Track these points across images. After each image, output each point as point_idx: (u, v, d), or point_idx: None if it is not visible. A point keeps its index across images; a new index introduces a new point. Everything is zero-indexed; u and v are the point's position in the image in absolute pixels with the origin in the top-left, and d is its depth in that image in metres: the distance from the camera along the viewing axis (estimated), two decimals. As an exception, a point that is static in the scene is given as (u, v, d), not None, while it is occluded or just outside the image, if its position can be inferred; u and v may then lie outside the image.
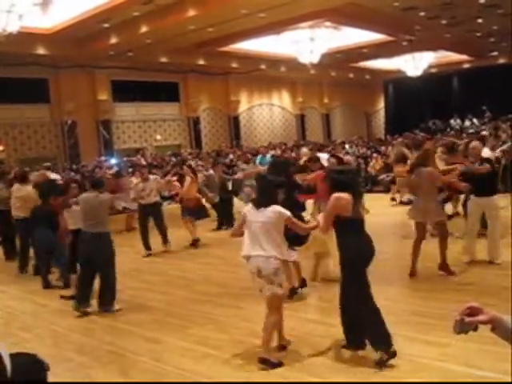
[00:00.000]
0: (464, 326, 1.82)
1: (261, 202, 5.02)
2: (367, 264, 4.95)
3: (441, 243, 7.42)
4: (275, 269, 4.89)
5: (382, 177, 16.64)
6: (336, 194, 4.84)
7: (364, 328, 4.94)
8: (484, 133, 17.45)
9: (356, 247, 4.86)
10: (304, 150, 16.83)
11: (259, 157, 17.73)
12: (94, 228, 6.92)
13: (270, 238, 4.90)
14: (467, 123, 26.89)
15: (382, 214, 13.19)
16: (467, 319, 1.81)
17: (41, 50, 19.44)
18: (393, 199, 14.83)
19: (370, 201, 13.78)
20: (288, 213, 4.98)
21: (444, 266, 7.39)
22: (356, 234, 4.93)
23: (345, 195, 4.81)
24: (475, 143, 8.32)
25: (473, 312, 1.82)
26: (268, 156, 17.35)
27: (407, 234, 11.18)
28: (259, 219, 4.93)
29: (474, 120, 26.82)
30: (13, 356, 1.98)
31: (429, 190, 7.32)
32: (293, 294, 6.70)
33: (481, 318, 1.80)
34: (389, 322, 5.67)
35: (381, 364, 4.65)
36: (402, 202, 14.54)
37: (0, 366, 1.77)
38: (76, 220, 7.84)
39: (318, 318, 6.10)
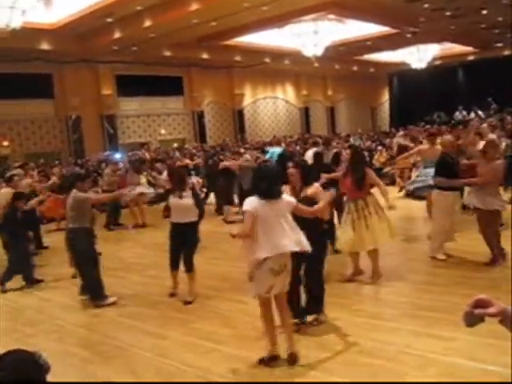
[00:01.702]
0: (473, 319, 1.81)
1: (276, 193, 4.73)
2: None
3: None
4: None
5: (386, 169, 16.62)
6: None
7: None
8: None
9: None
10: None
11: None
12: (70, 223, 7.29)
13: (295, 229, 4.71)
14: (472, 115, 26.72)
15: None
16: (476, 311, 1.80)
17: (45, 45, 19.45)
18: (401, 188, 14.70)
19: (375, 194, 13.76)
20: (293, 199, 4.95)
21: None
22: None
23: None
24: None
25: (482, 304, 1.81)
26: (271, 150, 17.25)
27: (415, 228, 11.28)
28: (275, 212, 4.65)
29: (480, 112, 26.66)
30: (10, 353, 1.98)
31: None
32: None
33: (490, 310, 1.79)
34: (394, 316, 5.71)
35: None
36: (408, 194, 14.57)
37: None
38: None
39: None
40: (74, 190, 7.20)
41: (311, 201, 5.29)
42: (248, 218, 4.59)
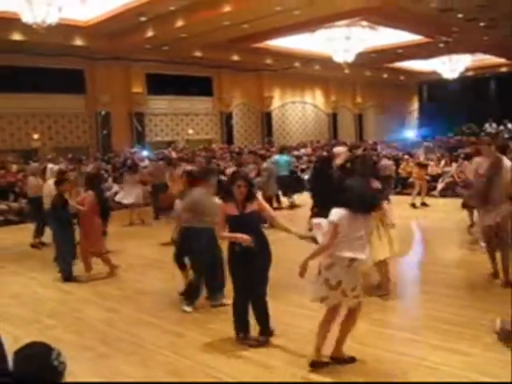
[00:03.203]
0: (507, 336, 1.81)
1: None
2: None
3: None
4: None
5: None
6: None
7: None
8: None
9: None
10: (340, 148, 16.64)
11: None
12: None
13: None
14: (501, 128, 26.38)
15: (407, 217, 13.16)
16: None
17: (78, 42, 19.72)
18: (413, 205, 14.71)
19: (397, 203, 13.74)
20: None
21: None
22: None
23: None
24: None
25: None
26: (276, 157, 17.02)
27: (428, 239, 11.23)
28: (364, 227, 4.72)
29: (510, 125, 26.31)
30: (28, 347, 2.01)
31: None
32: None
33: None
34: (413, 328, 5.67)
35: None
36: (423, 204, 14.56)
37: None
38: None
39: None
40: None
41: None
42: (332, 229, 4.63)
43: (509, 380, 4.31)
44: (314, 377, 4.66)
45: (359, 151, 12.76)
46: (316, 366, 4.76)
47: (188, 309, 6.63)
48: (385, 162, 15.78)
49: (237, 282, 5.45)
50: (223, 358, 5.17)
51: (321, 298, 4.74)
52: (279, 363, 4.97)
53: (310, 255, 4.78)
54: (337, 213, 4.62)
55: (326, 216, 4.74)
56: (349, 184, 4.78)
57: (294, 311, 6.37)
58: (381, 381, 4.61)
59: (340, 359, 4.88)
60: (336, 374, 4.69)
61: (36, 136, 21.51)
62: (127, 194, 14.08)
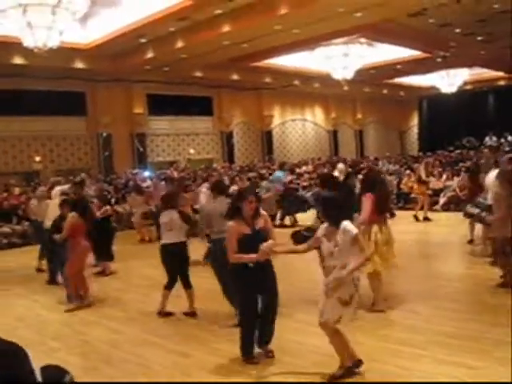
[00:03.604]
0: None
1: None
2: None
3: None
4: None
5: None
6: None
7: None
8: None
9: None
10: (340, 165, 16.86)
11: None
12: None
13: None
14: (502, 141, 26.39)
15: (410, 232, 13.16)
16: None
17: (79, 64, 19.88)
18: (416, 217, 14.79)
19: (399, 218, 13.79)
20: None
21: None
22: None
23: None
24: None
25: None
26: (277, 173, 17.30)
27: (431, 253, 11.22)
28: None
29: (510, 138, 26.33)
30: (42, 369, 2.01)
31: None
32: None
33: None
34: (419, 342, 5.64)
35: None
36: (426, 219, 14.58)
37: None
38: None
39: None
40: None
41: None
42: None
43: (509, 380, 4.28)
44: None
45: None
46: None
47: None
48: (386, 177, 15.86)
49: (250, 298, 5.34)
50: (231, 379, 5.14)
51: (337, 319, 4.71)
52: (291, 379, 4.94)
53: (353, 267, 4.68)
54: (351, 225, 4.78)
55: None
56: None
57: (299, 327, 6.34)
58: (380, 381, 4.58)
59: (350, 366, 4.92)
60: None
61: (38, 158, 21.58)
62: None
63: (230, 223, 5.34)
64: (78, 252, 8.27)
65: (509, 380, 4.06)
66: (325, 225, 4.92)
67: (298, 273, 8.92)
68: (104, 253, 10.47)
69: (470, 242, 10.89)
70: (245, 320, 5.46)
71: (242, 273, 5.26)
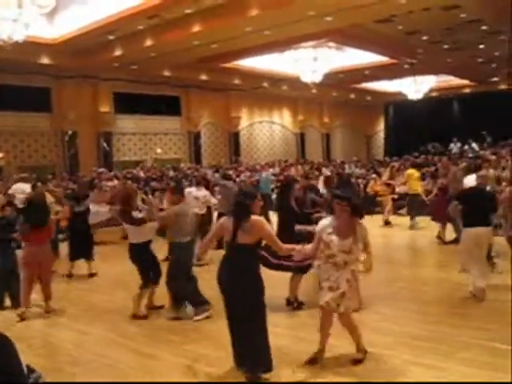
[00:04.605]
0: None
1: None
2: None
3: None
4: None
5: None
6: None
7: None
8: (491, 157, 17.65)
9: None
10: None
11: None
12: None
13: None
14: (466, 147, 26.90)
15: (375, 235, 13.27)
16: None
17: (45, 60, 19.50)
18: (386, 222, 14.96)
19: (367, 222, 13.87)
20: None
21: None
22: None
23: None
24: None
25: None
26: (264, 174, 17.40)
27: (397, 257, 11.36)
28: None
29: (474, 145, 26.85)
30: None
31: None
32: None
33: None
34: (388, 344, 5.67)
35: None
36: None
37: None
38: None
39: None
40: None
41: None
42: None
43: (509, 380, 4.33)
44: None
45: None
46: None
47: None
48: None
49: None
50: (199, 380, 5.09)
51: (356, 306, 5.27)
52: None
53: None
54: None
55: None
56: None
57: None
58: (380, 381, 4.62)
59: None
60: None
61: (0, 154, 21.09)
62: (93, 213, 13.80)
63: (261, 219, 5.03)
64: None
65: (509, 380, 4.10)
66: (326, 222, 5.08)
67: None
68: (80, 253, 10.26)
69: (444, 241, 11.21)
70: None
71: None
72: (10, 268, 7.94)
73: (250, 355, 4.86)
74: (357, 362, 5.15)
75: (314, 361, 5.21)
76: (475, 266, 7.29)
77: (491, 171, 11.48)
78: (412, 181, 14.12)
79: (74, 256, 10.17)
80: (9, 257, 7.98)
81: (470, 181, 8.93)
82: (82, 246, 10.20)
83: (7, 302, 8.00)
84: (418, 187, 13.92)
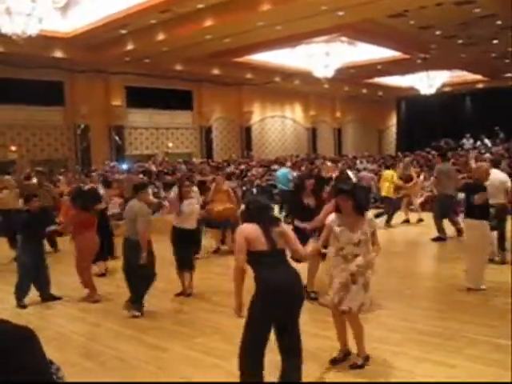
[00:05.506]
0: None
1: None
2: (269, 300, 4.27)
3: None
4: None
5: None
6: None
7: None
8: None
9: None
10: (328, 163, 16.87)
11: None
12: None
13: None
14: (478, 143, 26.71)
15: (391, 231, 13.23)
16: None
17: (58, 54, 19.63)
18: (407, 221, 14.69)
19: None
20: None
21: None
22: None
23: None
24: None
25: None
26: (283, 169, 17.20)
27: (406, 253, 11.33)
28: None
29: (486, 140, 26.66)
30: None
31: None
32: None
33: None
34: (397, 340, 5.68)
35: None
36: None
37: None
38: None
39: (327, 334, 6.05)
40: None
41: None
42: None
43: (509, 380, 4.33)
44: None
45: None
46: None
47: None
48: (363, 173, 16.04)
49: None
50: (209, 373, 5.12)
51: (360, 306, 5.00)
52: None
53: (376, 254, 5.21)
54: None
55: None
56: None
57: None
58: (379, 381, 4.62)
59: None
60: None
61: (13, 148, 21.26)
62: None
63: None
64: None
65: (509, 380, 4.10)
66: (334, 215, 5.10)
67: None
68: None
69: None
70: None
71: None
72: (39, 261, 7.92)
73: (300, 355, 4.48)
74: (355, 366, 5.02)
75: (338, 361, 5.17)
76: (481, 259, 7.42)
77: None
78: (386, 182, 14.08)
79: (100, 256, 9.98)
80: (38, 252, 7.95)
81: (497, 174, 8.95)
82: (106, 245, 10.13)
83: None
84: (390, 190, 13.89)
